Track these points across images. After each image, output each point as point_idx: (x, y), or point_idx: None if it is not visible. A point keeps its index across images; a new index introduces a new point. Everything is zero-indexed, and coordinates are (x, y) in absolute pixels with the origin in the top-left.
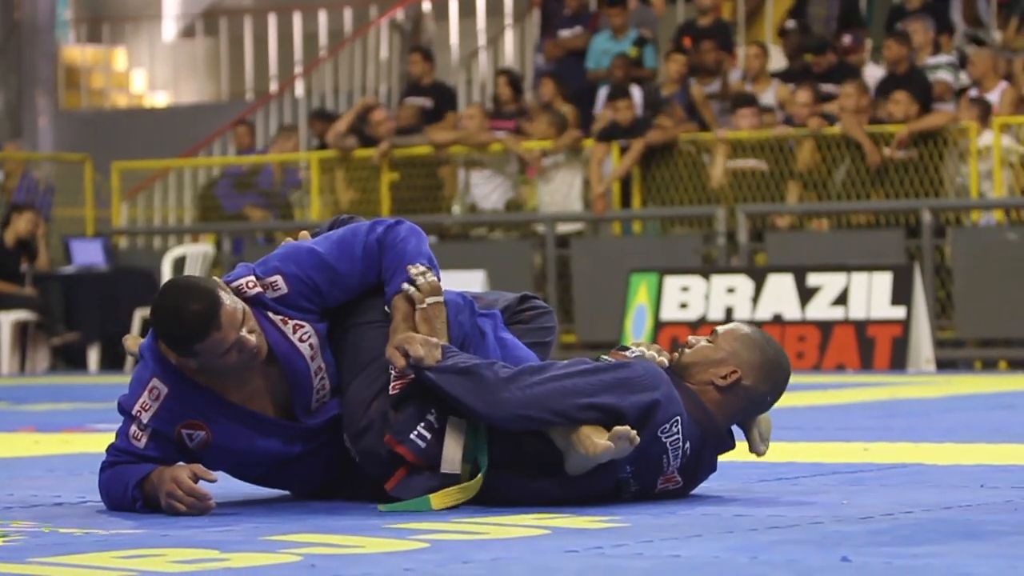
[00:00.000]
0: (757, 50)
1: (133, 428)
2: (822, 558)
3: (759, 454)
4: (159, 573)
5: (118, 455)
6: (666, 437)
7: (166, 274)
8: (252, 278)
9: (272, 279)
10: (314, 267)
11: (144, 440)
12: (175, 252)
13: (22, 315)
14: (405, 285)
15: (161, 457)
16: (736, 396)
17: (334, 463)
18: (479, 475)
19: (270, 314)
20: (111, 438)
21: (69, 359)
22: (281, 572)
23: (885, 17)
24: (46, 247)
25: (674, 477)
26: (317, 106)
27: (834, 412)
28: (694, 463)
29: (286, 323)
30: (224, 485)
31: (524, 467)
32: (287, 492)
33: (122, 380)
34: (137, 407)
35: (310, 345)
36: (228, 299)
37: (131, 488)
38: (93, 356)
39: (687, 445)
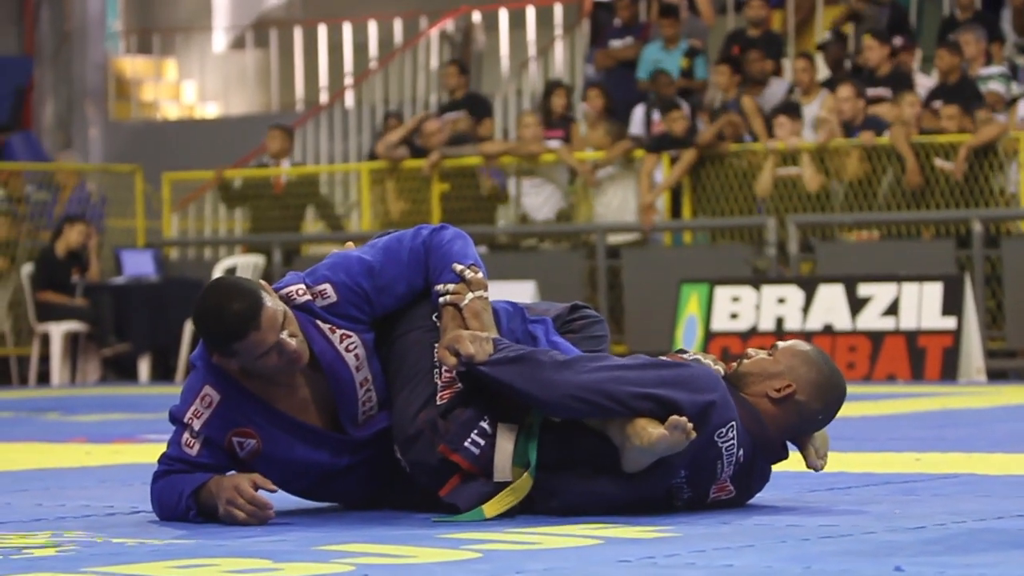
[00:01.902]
0: (805, 63)
1: (185, 436)
2: (875, 568)
3: (816, 470)
4: None
5: (171, 464)
6: (722, 442)
7: None
8: (302, 286)
9: (321, 287)
10: (363, 274)
11: (196, 447)
12: (225, 263)
13: (73, 326)
14: (442, 287)
15: (214, 464)
16: (788, 411)
17: (381, 476)
18: (526, 474)
19: (318, 322)
20: (162, 448)
21: (120, 370)
22: None
23: (936, 28)
24: (97, 258)
25: (727, 486)
26: (368, 117)
27: (885, 422)
28: (747, 473)
29: (334, 332)
30: (276, 496)
31: (579, 467)
32: (336, 503)
33: (173, 391)
34: (189, 414)
35: (356, 355)
36: (270, 301)
37: (185, 497)
38: (144, 367)
39: (740, 452)
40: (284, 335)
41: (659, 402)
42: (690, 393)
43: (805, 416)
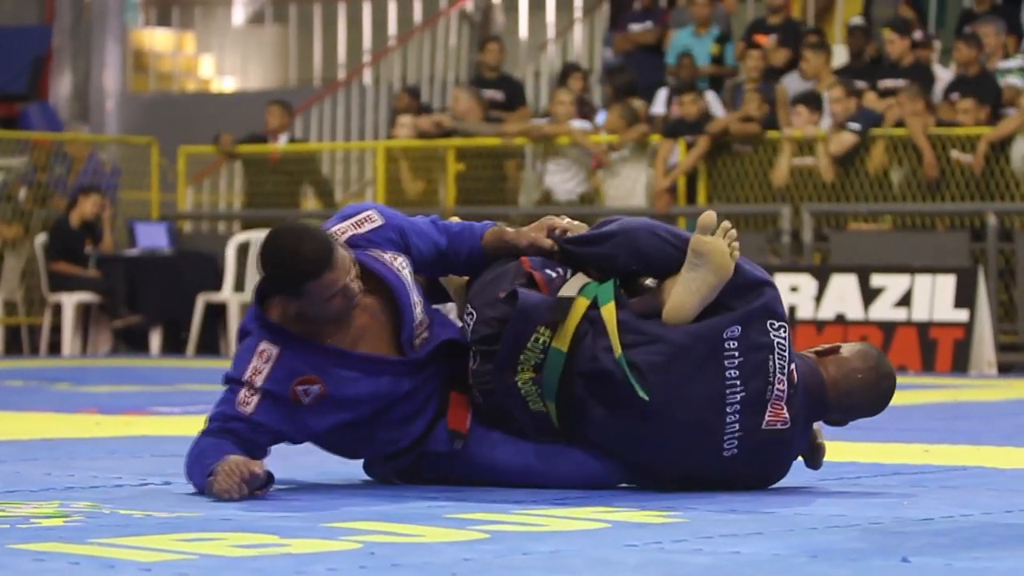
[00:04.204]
0: (812, 52)
1: (242, 393)
2: (882, 559)
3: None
4: (219, 557)
5: (226, 421)
6: (775, 333)
7: (230, 259)
8: (343, 224)
9: (368, 213)
10: (396, 215)
11: (253, 404)
12: (239, 237)
13: (85, 297)
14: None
15: (266, 424)
16: (832, 364)
17: (437, 398)
18: (580, 296)
19: (370, 251)
20: (172, 421)
21: (131, 342)
22: (340, 559)
23: (955, 20)
24: (111, 230)
25: (782, 412)
26: (386, 95)
27: (895, 413)
28: (802, 404)
29: (384, 254)
30: (288, 471)
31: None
32: (357, 474)
33: (184, 364)
34: (249, 372)
35: (409, 274)
36: (340, 246)
37: (208, 477)
38: (155, 339)
39: (793, 367)
40: (351, 278)
41: None
42: (750, 267)
43: (845, 370)
